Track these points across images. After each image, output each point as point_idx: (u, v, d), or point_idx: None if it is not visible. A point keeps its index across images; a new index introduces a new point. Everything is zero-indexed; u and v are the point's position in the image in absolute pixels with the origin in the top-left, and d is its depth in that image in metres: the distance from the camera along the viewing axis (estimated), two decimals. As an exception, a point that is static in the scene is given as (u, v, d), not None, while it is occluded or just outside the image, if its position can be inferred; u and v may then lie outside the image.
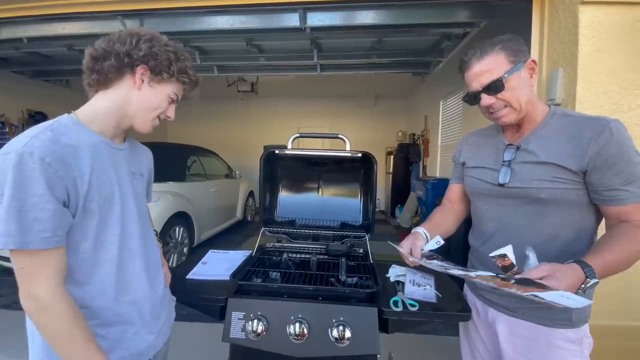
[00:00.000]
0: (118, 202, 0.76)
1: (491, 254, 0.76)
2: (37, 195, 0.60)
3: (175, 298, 0.99)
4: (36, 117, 5.13)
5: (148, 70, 0.76)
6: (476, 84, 0.86)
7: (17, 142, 0.62)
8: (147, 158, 0.96)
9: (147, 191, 0.99)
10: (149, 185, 0.99)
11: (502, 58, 0.82)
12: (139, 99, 0.77)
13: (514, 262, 0.72)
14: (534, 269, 0.71)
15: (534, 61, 0.85)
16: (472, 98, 0.89)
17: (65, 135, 0.69)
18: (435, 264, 0.87)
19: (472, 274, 0.79)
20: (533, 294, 0.66)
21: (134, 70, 0.75)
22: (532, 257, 0.74)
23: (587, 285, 0.69)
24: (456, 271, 0.83)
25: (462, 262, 0.92)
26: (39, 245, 0.62)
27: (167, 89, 0.80)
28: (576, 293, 0.68)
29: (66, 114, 0.75)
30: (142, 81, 0.77)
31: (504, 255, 0.73)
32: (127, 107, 0.78)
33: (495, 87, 0.83)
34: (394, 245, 1.04)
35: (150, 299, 0.85)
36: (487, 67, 0.83)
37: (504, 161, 0.91)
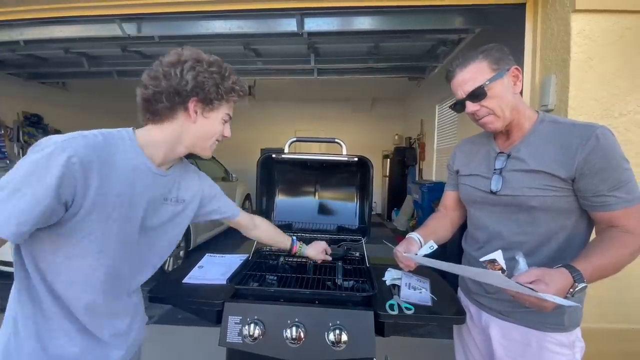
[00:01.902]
0: (127, 224, 0.74)
1: (481, 259, 0.77)
2: (43, 188, 0.59)
3: (146, 318, 0.96)
4: (32, 119, 5.10)
5: (199, 102, 0.76)
6: (460, 92, 0.89)
7: (64, 136, 0.64)
8: (192, 184, 0.93)
9: (219, 207, 1.02)
10: (213, 200, 1.00)
11: (484, 66, 0.85)
12: (195, 131, 0.79)
13: (504, 267, 0.74)
14: (524, 273, 0.72)
15: (517, 69, 0.87)
16: (458, 106, 0.92)
17: (115, 147, 0.70)
18: (429, 261, 0.89)
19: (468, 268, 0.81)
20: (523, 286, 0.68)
21: (186, 107, 0.76)
22: (522, 262, 0.76)
23: (576, 289, 0.70)
24: (450, 267, 0.84)
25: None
26: (9, 237, 0.58)
27: (220, 113, 0.81)
28: (565, 297, 0.69)
29: (130, 128, 0.76)
30: (196, 114, 0.77)
31: (493, 261, 0.74)
32: (182, 137, 0.79)
33: (477, 94, 0.85)
34: (388, 244, 1.05)
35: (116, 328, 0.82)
36: (469, 75, 0.86)
37: (495, 169, 0.93)
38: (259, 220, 1.19)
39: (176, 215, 0.88)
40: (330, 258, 1.25)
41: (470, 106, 0.88)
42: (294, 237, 1.25)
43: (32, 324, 0.70)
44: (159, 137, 0.77)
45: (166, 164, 0.83)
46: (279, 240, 1.21)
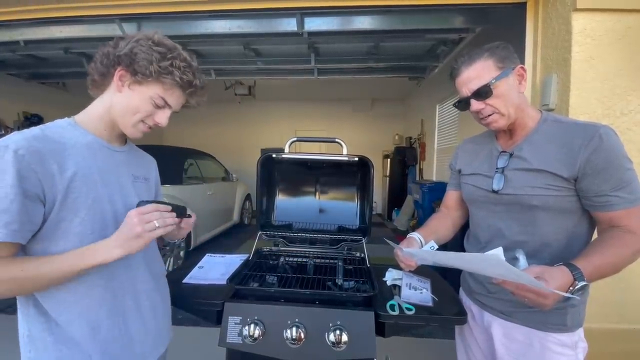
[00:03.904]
0: (110, 203, 0.74)
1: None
2: (8, 187, 0.60)
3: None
4: (32, 120, 5.10)
5: (127, 72, 0.73)
6: (465, 90, 0.88)
7: (1, 139, 0.63)
8: (150, 165, 0.96)
9: None
10: (157, 197, 0.98)
11: (490, 64, 0.84)
12: (118, 102, 0.75)
13: None
14: (524, 270, 0.72)
15: (522, 68, 0.87)
16: (463, 104, 0.91)
17: (56, 133, 0.70)
18: (429, 254, 0.89)
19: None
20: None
21: (113, 73, 0.74)
22: (522, 259, 0.75)
23: (576, 287, 0.70)
24: (449, 259, 0.83)
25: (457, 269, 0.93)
26: (6, 238, 0.60)
27: (148, 91, 0.75)
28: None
29: (66, 117, 0.76)
30: (122, 84, 0.74)
31: None
32: (111, 110, 0.77)
33: (483, 92, 0.84)
34: (391, 242, 1.04)
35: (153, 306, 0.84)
36: (475, 73, 0.85)
37: (497, 168, 0.92)
38: None
39: (147, 192, 0.89)
40: None
41: (475, 104, 0.87)
42: None
43: (48, 335, 0.69)
44: (96, 111, 0.77)
45: (116, 141, 0.82)
46: None
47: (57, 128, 0.72)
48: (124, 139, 0.85)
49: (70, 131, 0.73)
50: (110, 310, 0.75)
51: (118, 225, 0.74)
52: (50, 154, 0.65)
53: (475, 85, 0.85)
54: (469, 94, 0.87)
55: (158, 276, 0.89)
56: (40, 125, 0.71)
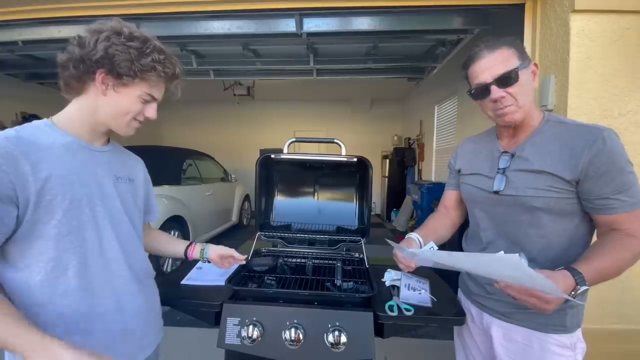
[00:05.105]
0: (88, 205, 0.73)
1: None
2: None
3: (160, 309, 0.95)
4: (30, 120, 5.07)
5: (109, 75, 0.72)
6: (487, 76, 0.83)
7: None
8: (135, 165, 0.94)
9: (148, 206, 0.97)
10: (149, 197, 0.97)
11: (512, 53, 0.82)
12: (106, 105, 0.75)
13: None
14: None
15: (535, 65, 0.86)
16: (481, 91, 0.85)
17: (31, 134, 0.69)
18: (431, 254, 0.88)
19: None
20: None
21: (93, 78, 0.72)
22: (524, 263, 0.75)
23: (578, 292, 0.69)
24: (455, 260, 0.82)
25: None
26: None
27: (135, 90, 0.75)
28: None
29: (44, 119, 0.76)
30: (106, 87, 0.73)
31: None
32: (97, 113, 0.76)
33: (507, 78, 0.81)
34: (390, 242, 1.04)
35: (137, 309, 0.83)
36: (501, 57, 0.81)
37: (499, 169, 0.91)
38: (155, 230, 1.11)
39: (131, 193, 0.88)
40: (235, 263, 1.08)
41: (496, 91, 0.82)
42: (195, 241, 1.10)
43: None
44: (75, 113, 0.76)
45: (99, 141, 0.81)
46: (172, 246, 1.07)
47: (33, 129, 0.71)
48: (106, 138, 0.84)
49: (47, 132, 0.72)
50: (88, 312, 0.73)
51: (97, 227, 0.74)
52: (22, 155, 0.65)
53: (499, 70, 0.81)
54: (490, 80, 0.82)
55: (141, 278, 0.87)
56: (16, 126, 0.70)
